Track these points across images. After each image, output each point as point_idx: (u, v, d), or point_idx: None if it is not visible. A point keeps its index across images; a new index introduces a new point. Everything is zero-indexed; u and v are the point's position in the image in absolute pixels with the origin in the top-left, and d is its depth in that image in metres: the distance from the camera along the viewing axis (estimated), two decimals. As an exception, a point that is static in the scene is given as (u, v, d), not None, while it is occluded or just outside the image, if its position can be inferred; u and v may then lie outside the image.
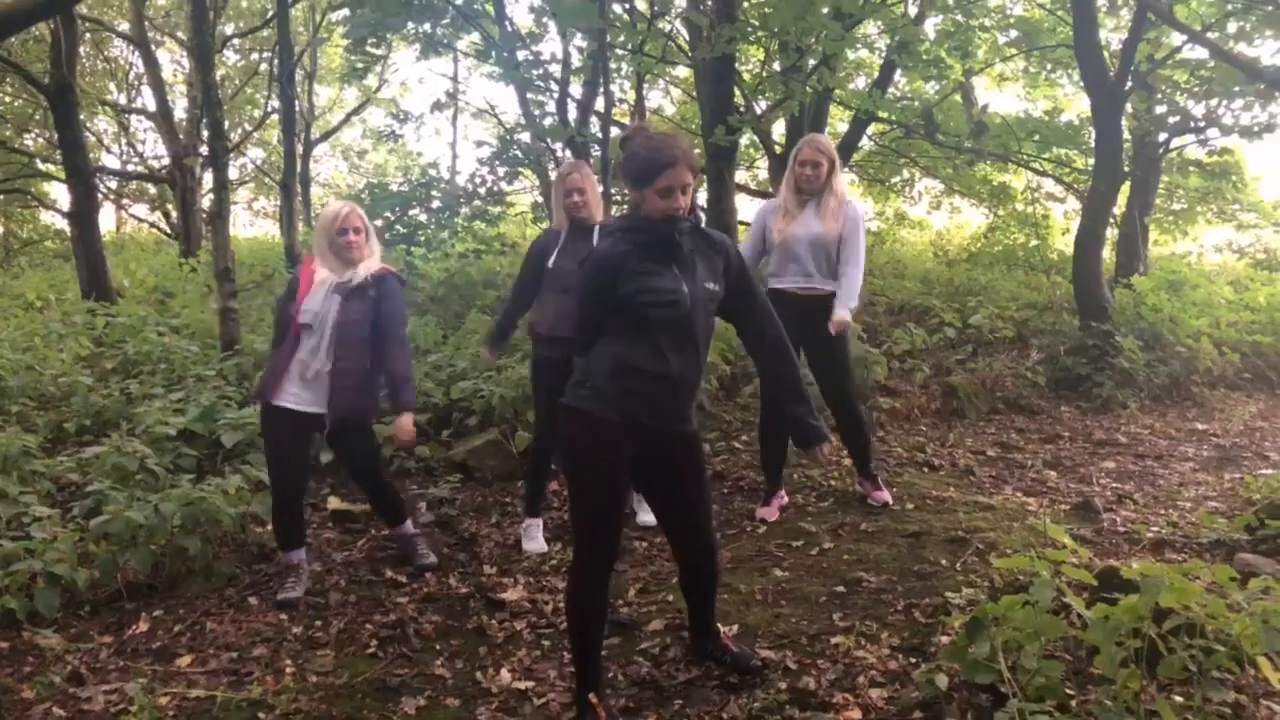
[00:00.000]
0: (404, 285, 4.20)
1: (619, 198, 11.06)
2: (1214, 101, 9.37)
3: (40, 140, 16.19)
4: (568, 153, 10.25)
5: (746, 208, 13.20)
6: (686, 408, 2.96)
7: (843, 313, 4.46)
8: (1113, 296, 8.56)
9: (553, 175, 10.20)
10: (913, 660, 3.12)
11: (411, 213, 10.95)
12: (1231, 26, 9.05)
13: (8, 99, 15.54)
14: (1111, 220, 9.78)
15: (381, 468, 4.50)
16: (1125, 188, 10.23)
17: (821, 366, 4.71)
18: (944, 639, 3.18)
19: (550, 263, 4.35)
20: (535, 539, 4.55)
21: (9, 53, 11.03)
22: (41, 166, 15.41)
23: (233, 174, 18.18)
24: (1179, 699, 2.59)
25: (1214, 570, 2.64)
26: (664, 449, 2.95)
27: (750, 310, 3.03)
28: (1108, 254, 10.17)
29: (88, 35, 15.26)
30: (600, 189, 8.24)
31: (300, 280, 4.07)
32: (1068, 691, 2.64)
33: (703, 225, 2.95)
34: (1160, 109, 10.04)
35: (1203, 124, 9.84)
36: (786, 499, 4.93)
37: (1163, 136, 10.54)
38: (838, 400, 4.77)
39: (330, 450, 4.53)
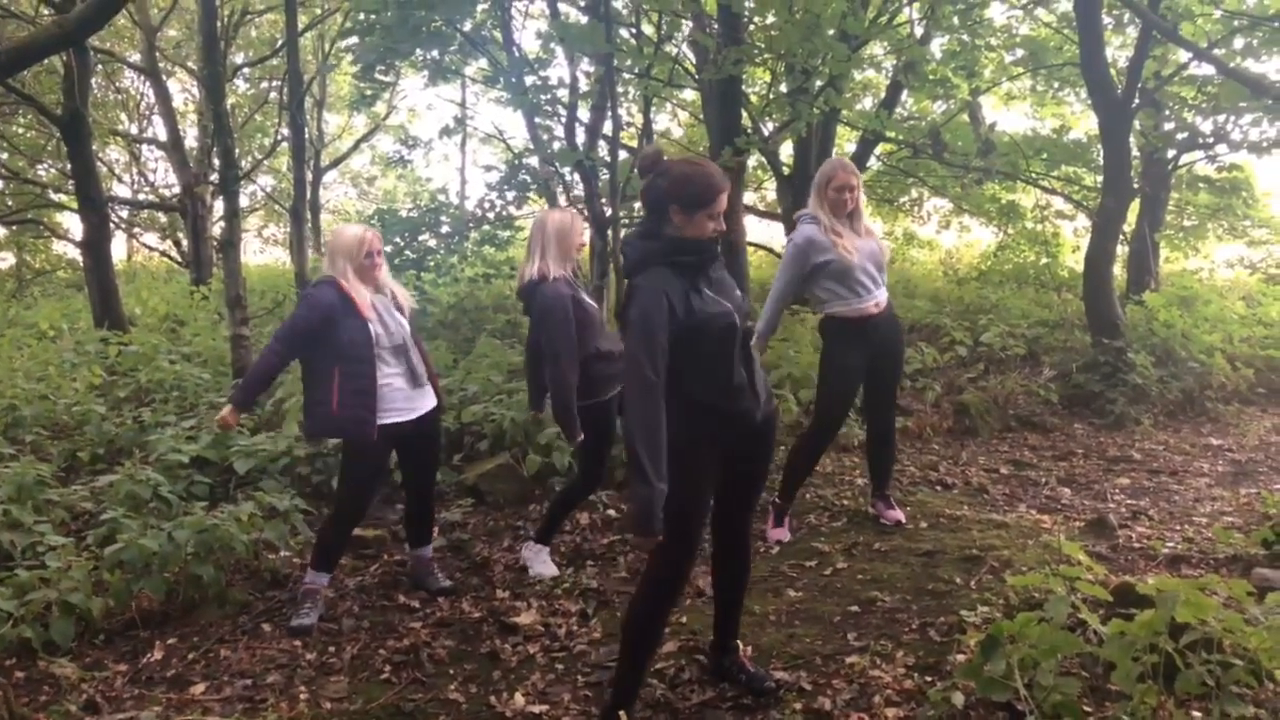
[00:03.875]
0: None
1: (626, 221, 11.10)
2: (1222, 117, 9.36)
3: (53, 171, 16.35)
4: (576, 176, 10.31)
5: (754, 229, 13.24)
6: (758, 397, 2.96)
7: None
8: (1124, 313, 8.53)
9: (563, 200, 10.26)
10: (928, 679, 3.10)
11: (421, 238, 11.00)
12: (1238, 43, 9.05)
13: (21, 130, 15.71)
14: (1122, 237, 9.76)
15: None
16: (1135, 204, 10.21)
17: (879, 378, 4.74)
18: (959, 657, 3.16)
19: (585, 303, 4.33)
20: (546, 563, 4.54)
21: (22, 85, 11.16)
22: (54, 197, 15.56)
23: (243, 202, 18.29)
24: (1197, 714, 2.57)
25: (1230, 585, 2.62)
26: (744, 435, 2.97)
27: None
28: (1118, 271, 10.14)
29: (100, 66, 15.43)
30: (609, 213, 8.31)
31: (352, 304, 4.04)
32: (1085, 708, 2.63)
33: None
34: (1168, 125, 10.03)
35: (1211, 140, 9.84)
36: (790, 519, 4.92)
37: (1171, 153, 10.52)
38: (885, 414, 4.83)
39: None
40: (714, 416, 2.86)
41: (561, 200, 10.41)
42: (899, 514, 4.80)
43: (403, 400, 4.10)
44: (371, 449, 4.06)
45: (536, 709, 3.21)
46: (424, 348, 4.32)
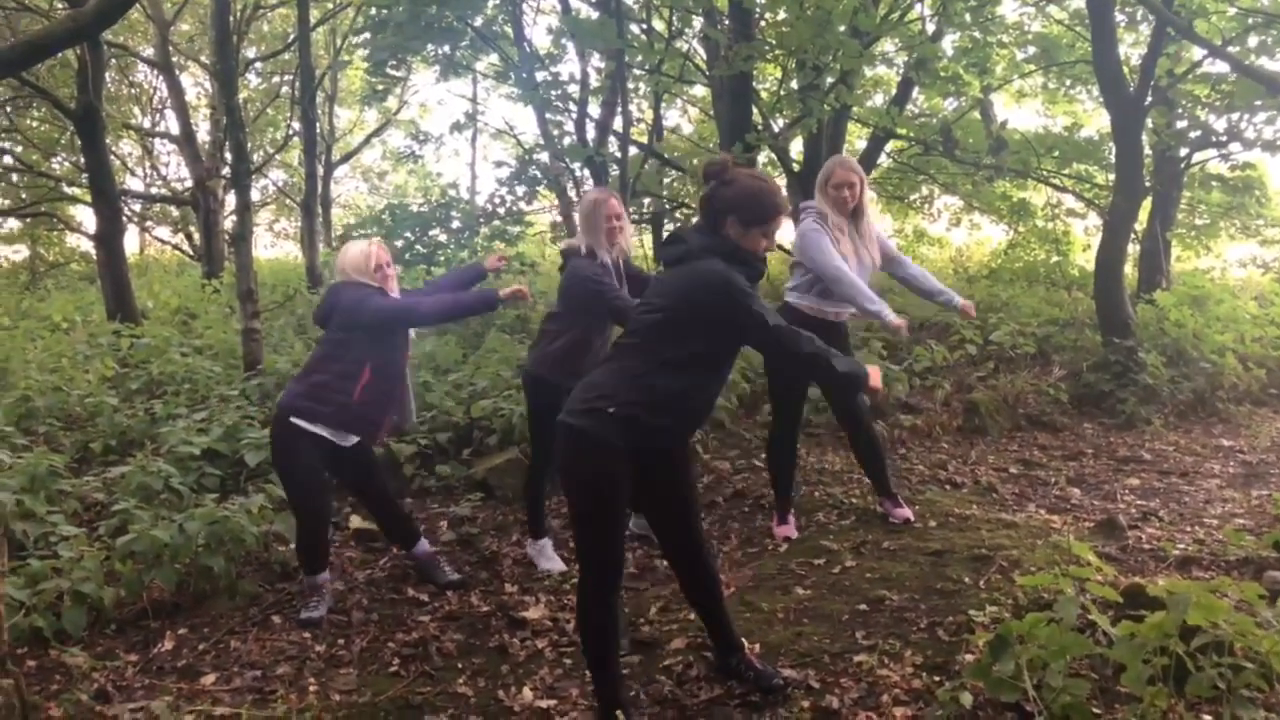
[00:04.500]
0: None
1: (635, 217, 11.09)
2: (1235, 115, 9.31)
3: (67, 164, 16.43)
4: (586, 172, 10.31)
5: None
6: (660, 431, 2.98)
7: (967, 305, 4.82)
8: (1135, 312, 8.50)
9: (573, 195, 10.26)
10: (937, 679, 3.10)
11: (431, 233, 11.02)
12: (1253, 40, 9.00)
13: (36, 124, 15.79)
14: (1133, 236, 9.71)
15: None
16: (1146, 203, 10.16)
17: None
18: (968, 657, 3.16)
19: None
20: (551, 558, 4.55)
21: (37, 78, 11.21)
22: (68, 190, 15.63)
23: (255, 196, 18.35)
24: (1207, 718, 2.56)
25: (1242, 588, 2.61)
26: (663, 460, 3.00)
27: None
28: (1130, 269, 10.09)
29: (113, 61, 15.48)
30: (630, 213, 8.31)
31: None
32: (1094, 710, 2.62)
33: None
34: (1181, 123, 9.98)
35: (1224, 138, 9.78)
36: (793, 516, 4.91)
37: (1184, 151, 10.46)
38: (850, 418, 4.79)
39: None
40: (686, 411, 2.93)
41: (572, 195, 10.42)
42: (907, 512, 4.79)
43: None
44: (306, 456, 4.07)
45: (545, 704, 3.22)
46: None
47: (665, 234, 10.66)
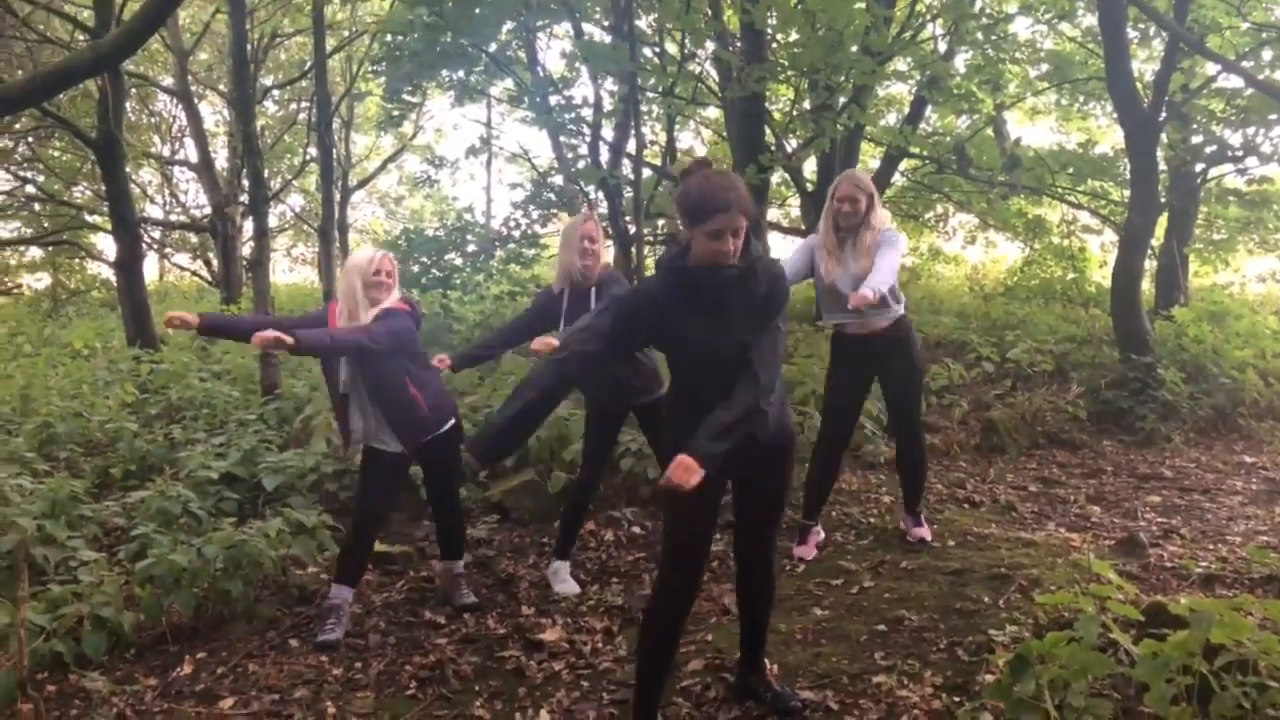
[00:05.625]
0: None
1: (651, 239, 11.12)
2: (1251, 130, 9.29)
3: (88, 193, 16.63)
4: (600, 194, 10.36)
5: (779, 245, 13.25)
6: (758, 426, 2.86)
7: (864, 291, 4.10)
8: (1153, 328, 8.45)
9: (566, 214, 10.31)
10: (956, 699, 3.07)
11: (447, 257, 11.10)
12: (1267, 54, 8.99)
13: (57, 153, 16.00)
14: (1150, 251, 9.67)
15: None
16: (1163, 219, 10.12)
17: (892, 398, 4.79)
18: (988, 677, 3.13)
19: (561, 329, 4.39)
20: (566, 581, 4.54)
21: (58, 109, 11.38)
22: (89, 218, 15.82)
23: (272, 222, 18.50)
24: (1233, 738, 2.52)
25: (1266, 605, 2.58)
26: (759, 456, 2.95)
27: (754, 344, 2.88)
28: (1147, 285, 10.04)
29: (133, 90, 15.70)
30: (633, 231, 8.34)
31: None
32: (1117, 731, 2.59)
33: (755, 264, 2.85)
34: (1196, 139, 9.96)
35: (1240, 153, 9.75)
36: (823, 535, 4.89)
37: (1200, 166, 10.43)
38: (905, 432, 4.80)
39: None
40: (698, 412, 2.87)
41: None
42: (926, 532, 4.77)
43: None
44: (399, 463, 4.19)
45: (562, 727, 3.21)
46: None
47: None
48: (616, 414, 4.54)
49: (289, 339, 3.73)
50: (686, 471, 2.58)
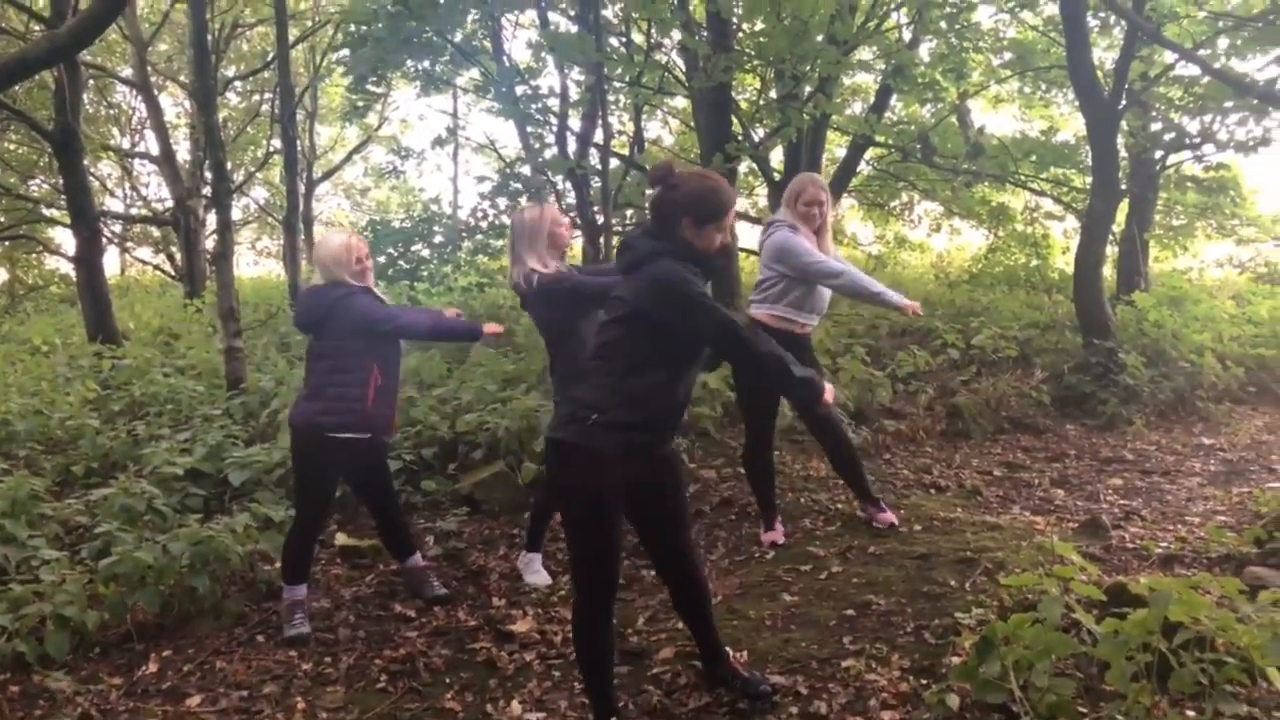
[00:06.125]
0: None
1: (619, 229, 11.09)
2: (1208, 117, 9.40)
3: (45, 186, 16.36)
4: (568, 185, 10.33)
5: (746, 234, 13.28)
6: (661, 438, 3.03)
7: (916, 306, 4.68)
8: (1115, 314, 8.57)
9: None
10: (924, 682, 3.11)
11: (414, 248, 11.03)
12: (1223, 43, 9.11)
13: (13, 146, 15.72)
14: (1111, 238, 9.80)
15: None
16: (1124, 205, 10.26)
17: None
18: (954, 659, 3.17)
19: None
20: (539, 572, 4.54)
21: (14, 100, 11.17)
22: (47, 212, 15.56)
23: (236, 215, 18.30)
24: (1191, 713, 2.58)
25: (1223, 584, 2.64)
26: (652, 468, 2.99)
27: None
28: (1108, 271, 10.18)
29: (91, 81, 15.44)
30: (601, 221, 8.33)
31: None
32: (1079, 708, 2.64)
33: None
34: (1155, 126, 10.09)
35: (1198, 140, 9.88)
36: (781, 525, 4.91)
37: (1159, 153, 10.58)
38: (819, 424, 4.80)
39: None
40: (666, 408, 2.93)
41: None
42: (891, 516, 4.81)
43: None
44: (329, 464, 4.12)
45: (533, 716, 3.22)
46: None
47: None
48: None
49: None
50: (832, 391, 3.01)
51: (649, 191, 3.03)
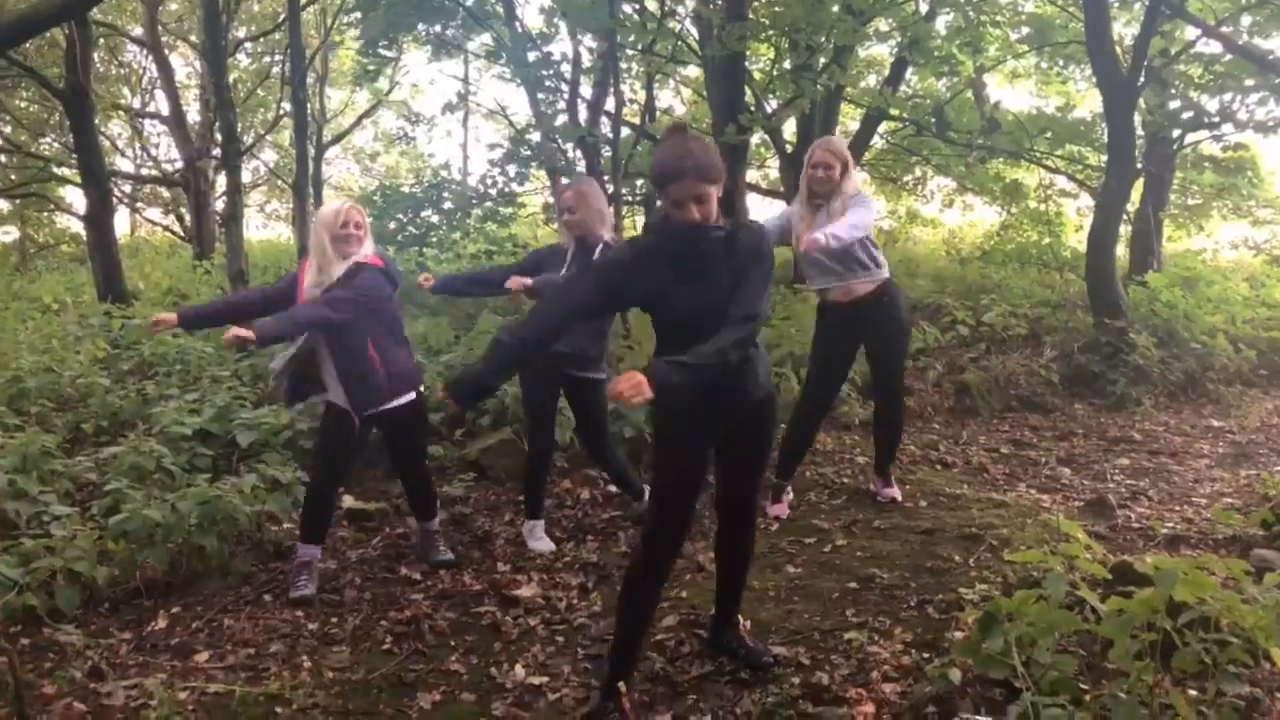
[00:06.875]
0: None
1: (629, 199, 11.05)
2: (1228, 96, 9.31)
3: (56, 145, 16.32)
4: (578, 153, 10.27)
5: (758, 207, 13.23)
6: (747, 380, 2.92)
7: (815, 235, 4.09)
8: (1127, 293, 8.52)
9: (563, 180, 10.25)
10: (926, 655, 3.12)
11: (424, 214, 10.99)
12: (1246, 20, 8.99)
13: (24, 104, 15.66)
14: (1125, 217, 9.73)
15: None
16: (1139, 184, 10.17)
17: (875, 361, 4.79)
18: (957, 634, 3.18)
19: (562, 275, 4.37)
20: (541, 539, 4.56)
21: (24, 58, 11.12)
22: (57, 171, 15.53)
23: (245, 177, 18.25)
24: (1193, 692, 2.59)
25: (1228, 564, 2.63)
26: (740, 413, 2.98)
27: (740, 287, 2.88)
28: (1122, 251, 10.11)
29: (102, 40, 15.36)
30: (611, 190, 8.28)
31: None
32: (1081, 685, 2.64)
33: (739, 228, 2.86)
34: (1174, 104, 9.98)
35: (1217, 119, 9.78)
36: (793, 494, 4.93)
37: (1176, 132, 10.47)
38: (886, 396, 4.82)
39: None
40: (705, 388, 2.81)
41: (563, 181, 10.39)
42: (896, 492, 4.82)
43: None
44: (350, 424, 4.07)
45: (536, 680, 3.24)
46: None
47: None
48: (549, 375, 4.45)
49: (250, 334, 3.73)
50: (633, 388, 2.45)
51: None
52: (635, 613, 2.97)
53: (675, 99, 16.40)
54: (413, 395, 4.19)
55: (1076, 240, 12.61)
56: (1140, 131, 9.64)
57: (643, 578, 2.95)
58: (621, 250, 2.90)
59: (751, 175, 14.44)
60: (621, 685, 2.91)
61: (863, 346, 4.79)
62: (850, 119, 14.00)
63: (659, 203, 3.02)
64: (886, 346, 4.70)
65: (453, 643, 3.59)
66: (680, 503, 2.91)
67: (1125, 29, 10.98)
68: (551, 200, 11.38)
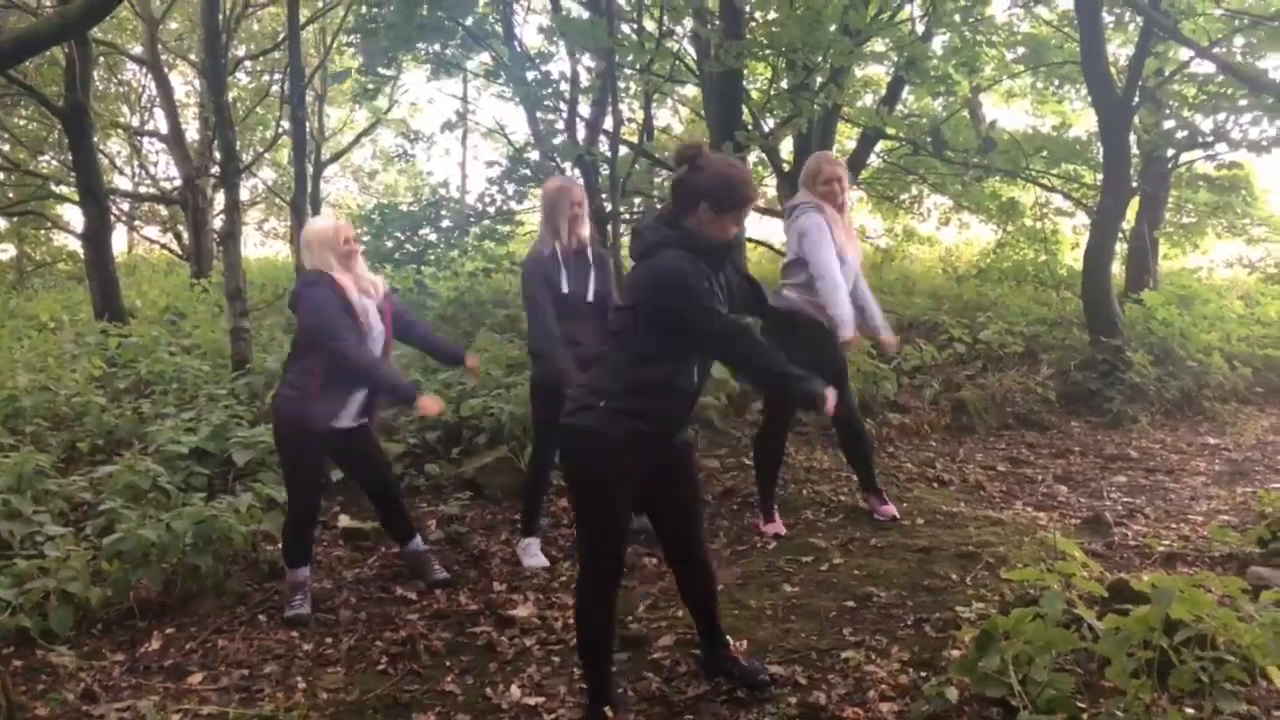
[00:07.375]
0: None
1: (627, 215, 11.06)
2: (1222, 116, 9.36)
3: (54, 163, 16.35)
4: (577, 171, 10.30)
5: (754, 225, 13.25)
6: (685, 422, 3.05)
7: (889, 338, 4.93)
8: (1122, 311, 8.54)
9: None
10: (923, 674, 3.11)
11: (421, 232, 11.01)
12: (1239, 41, 9.06)
13: (23, 122, 15.71)
14: (1121, 235, 9.76)
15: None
16: (1134, 202, 10.21)
17: (841, 379, 4.72)
18: (954, 653, 3.17)
19: (565, 289, 4.35)
20: (536, 555, 4.56)
21: (24, 76, 11.16)
22: (55, 189, 15.56)
23: (244, 195, 18.28)
24: (1190, 710, 2.58)
25: (1225, 582, 2.63)
26: (664, 458, 2.99)
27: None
28: (1117, 269, 10.14)
29: (102, 59, 15.41)
30: (609, 208, 8.31)
31: (351, 309, 4.03)
32: (1079, 704, 2.63)
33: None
34: (1168, 124, 10.03)
35: (1211, 138, 9.83)
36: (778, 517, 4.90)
37: (1171, 151, 10.52)
38: (844, 414, 4.77)
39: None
40: (668, 397, 2.90)
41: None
42: (893, 509, 4.81)
43: (354, 408, 4.12)
44: (310, 448, 4.07)
45: (532, 701, 3.22)
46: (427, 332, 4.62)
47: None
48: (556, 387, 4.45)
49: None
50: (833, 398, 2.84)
51: (679, 170, 2.93)
52: (595, 652, 3.00)
53: (673, 118, 16.45)
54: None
55: (1073, 258, 12.63)
56: (1135, 150, 9.68)
57: (591, 613, 2.98)
58: (686, 268, 2.83)
59: (748, 193, 14.44)
60: (608, 710, 2.92)
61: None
62: (847, 138, 14.04)
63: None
64: (834, 361, 4.56)
65: (448, 663, 3.58)
66: (608, 555, 2.93)
67: (1120, 49, 11.06)
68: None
